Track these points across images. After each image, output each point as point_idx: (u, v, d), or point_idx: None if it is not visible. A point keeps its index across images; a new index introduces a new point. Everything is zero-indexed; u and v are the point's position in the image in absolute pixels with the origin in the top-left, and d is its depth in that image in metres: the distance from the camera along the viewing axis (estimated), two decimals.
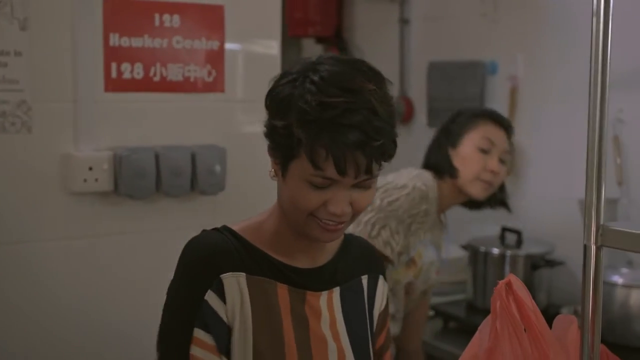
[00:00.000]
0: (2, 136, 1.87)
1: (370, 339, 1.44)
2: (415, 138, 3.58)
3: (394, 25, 3.64)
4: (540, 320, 1.25)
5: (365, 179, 1.24)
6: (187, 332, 1.26)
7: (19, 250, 1.91)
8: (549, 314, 1.29)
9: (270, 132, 1.26)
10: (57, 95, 1.94)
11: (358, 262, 1.46)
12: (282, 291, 1.32)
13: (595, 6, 1.06)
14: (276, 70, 2.23)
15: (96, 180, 1.96)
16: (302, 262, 1.37)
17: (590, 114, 1.08)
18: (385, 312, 1.49)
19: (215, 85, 2.15)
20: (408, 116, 3.63)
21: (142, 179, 1.97)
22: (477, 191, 2.16)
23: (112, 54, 1.99)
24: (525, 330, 1.22)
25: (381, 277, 1.50)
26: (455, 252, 3.04)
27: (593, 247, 1.10)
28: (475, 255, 2.81)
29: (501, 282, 1.23)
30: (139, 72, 2.03)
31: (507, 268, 2.74)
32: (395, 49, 3.62)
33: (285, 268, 1.34)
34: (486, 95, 3.18)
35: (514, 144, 2.26)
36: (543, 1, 2.96)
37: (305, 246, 1.37)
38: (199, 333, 1.25)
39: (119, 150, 1.98)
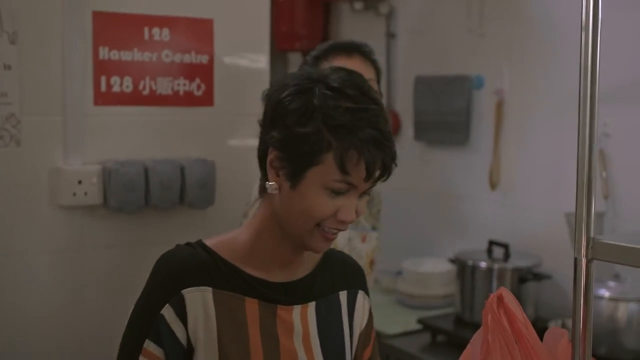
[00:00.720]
0: None
1: (349, 354, 1.43)
2: (401, 151, 3.58)
3: (381, 39, 3.66)
4: (531, 333, 1.25)
5: (373, 185, 1.29)
6: (141, 344, 1.27)
7: (8, 262, 1.91)
8: (537, 328, 1.29)
9: (289, 142, 1.26)
10: (46, 109, 1.94)
11: (337, 277, 1.46)
12: (251, 306, 1.32)
13: (584, 21, 1.07)
14: (265, 84, 2.25)
15: (85, 193, 1.95)
16: (277, 276, 1.37)
17: (579, 128, 1.09)
18: (368, 328, 1.49)
19: (204, 99, 2.15)
20: (394, 129, 3.64)
21: (131, 192, 1.97)
22: None
23: (102, 68, 2.00)
24: (516, 343, 1.23)
25: (361, 292, 1.49)
26: (442, 265, 3.05)
27: (583, 260, 1.11)
28: (463, 268, 2.82)
29: (492, 295, 1.24)
30: (128, 85, 2.03)
31: (495, 281, 2.75)
32: (382, 63, 3.64)
33: (256, 282, 1.34)
34: (473, 109, 3.21)
35: (377, 62, 2.06)
36: (529, 14, 2.99)
37: (283, 260, 1.37)
38: (149, 345, 1.26)
39: (108, 163, 1.97)
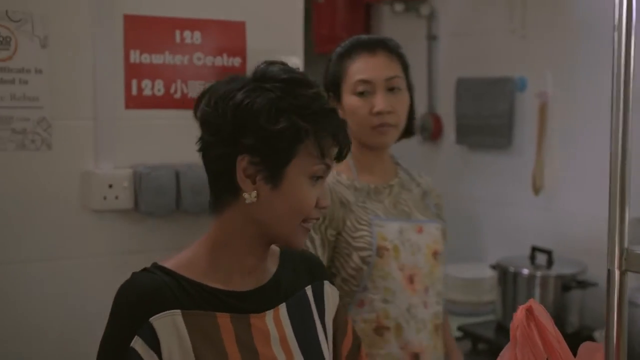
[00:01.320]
0: (22, 153, 1.86)
1: (326, 348, 1.40)
2: (443, 155, 3.54)
3: (422, 41, 3.61)
4: (563, 347, 1.20)
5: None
6: None
7: (40, 268, 1.90)
8: (581, 337, 1.24)
9: (263, 143, 1.24)
10: (77, 113, 1.93)
11: (299, 273, 1.43)
12: (224, 321, 1.28)
13: (617, 19, 1.02)
14: None
15: (116, 197, 1.94)
16: (243, 285, 1.33)
17: (612, 132, 1.03)
18: (340, 316, 1.47)
19: None
20: (437, 133, 3.58)
21: (162, 196, 1.95)
22: (376, 140, 1.89)
23: (133, 71, 1.98)
24: (547, 358, 1.17)
25: (326, 282, 1.47)
26: (484, 271, 2.98)
27: (617, 272, 1.05)
28: (505, 275, 2.75)
29: (521, 308, 1.18)
30: (159, 88, 2.02)
31: (537, 289, 2.68)
32: (423, 65, 3.59)
33: (224, 295, 1.30)
34: (515, 112, 3.13)
35: (403, 56, 1.93)
36: (572, 15, 2.91)
37: (248, 268, 1.34)
38: None
39: (139, 167, 1.96)
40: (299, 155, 1.25)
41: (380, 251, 1.83)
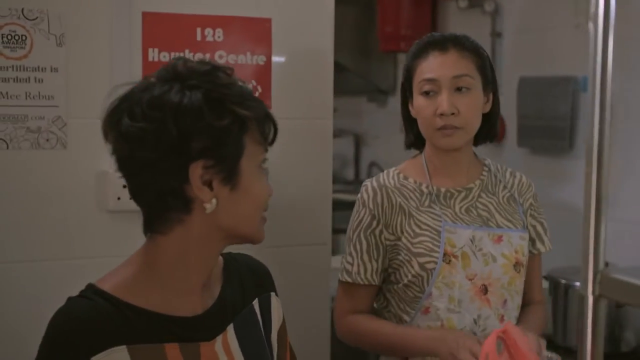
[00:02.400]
0: (37, 152, 1.86)
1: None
2: (505, 158, 3.38)
3: (486, 38, 3.46)
4: None
5: None
6: None
7: (54, 267, 1.89)
8: (638, 356, 1.11)
9: (216, 141, 1.15)
10: (93, 112, 1.88)
11: (244, 287, 1.34)
12: (173, 352, 1.17)
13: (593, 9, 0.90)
14: (328, 86, 2.14)
15: (130, 198, 1.91)
16: (188, 307, 1.22)
17: (587, 150, 0.91)
18: (282, 329, 1.40)
19: None
20: (500, 135, 3.42)
21: None
22: (441, 142, 1.78)
23: (151, 70, 1.90)
24: None
25: (272, 294, 1.40)
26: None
27: (590, 298, 0.93)
28: (556, 287, 2.59)
29: (494, 332, 1.07)
30: None
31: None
32: None
33: (170, 323, 1.19)
34: (578, 113, 2.95)
35: (479, 54, 1.80)
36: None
37: (195, 287, 1.24)
38: None
39: None
40: (247, 147, 1.20)
41: (447, 257, 1.74)
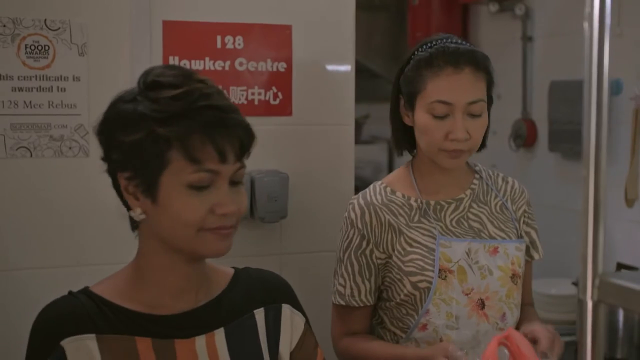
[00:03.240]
0: (59, 160, 1.89)
1: None
2: (537, 163, 3.34)
3: (517, 42, 3.42)
4: None
5: (240, 167, 1.18)
6: None
7: (75, 274, 1.91)
8: None
9: (127, 157, 1.17)
10: None
11: (250, 295, 1.32)
12: (144, 346, 1.19)
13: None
14: (349, 92, 2.14)
15: None
16: (174, 308, 1.24)
17: (584, 138, 0.90)
18: (308, 346, 1.35)
19: (281, 109, 2.07)
20: (531, 140, 3.38)
21: None
22: (446, 163, 1.72)
23: None
24: None
25: (286, 306, 1.34)
26: (566, 288, 2.78)
27: (589, 303, 0.91)
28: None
29: (495, 338, 1.05)
30: None
31: (620, 312, 2.45)
32: (518, 68, 3.40)
33: (145, 320, 1.22)
34: (610, 117, 2.89)
35: (490, 72, 1.72)
36: None
37: (175, 289, 1.25)
38: None
39: None
40: (171, 164, 1.15)
41: (442, 273, 1.69)
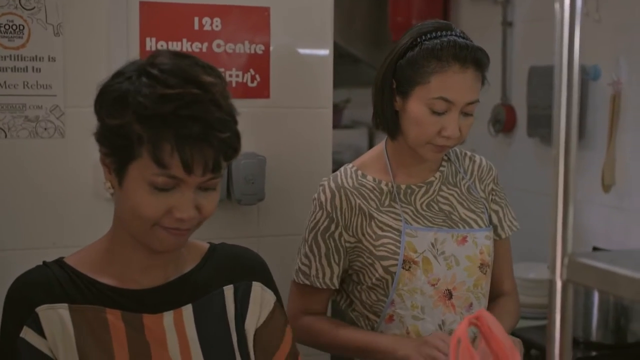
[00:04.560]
0: (35, 141, 1.88)
1: (237, 356, 1.29)
2: (515, 149, 3.35)
3: (497, 27, 3.43)
4: None
5: (211, 177, 1.16)
6: None
7: (51, 255, 1.90)
8: None
9: (104, 134, 1.19)
10: (91, 101, 1.89)
11: (220, 272, 1.32)
12: (114, 318, 1.21)
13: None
14: (328, 75, 2.13)
15: None
16: (141, 283, 1.26)
17: (554, 115, 0.90)
18: (276, 323, 1.34)
19: (259, 91, 2.06)
20: (510, 125, 3.39)
21: None
22: (429, 155, 1.73)
23: None
24: None
25: (257, 283, 1.34)
26: (543, 272, 2.80)
27: (558, 282, 0.92)
28: None
29: (467, 318, 1.05)
30: None
31: (595, 294, 2.47)
32: (497, 54, 3.40)
33: (115, 292, 1.23)
34: (587, 103, 2.91)
35: (485, 74, 1.73)
36: None
37: (142, 265, 1.26)
38: None
39: None
40: (140, 158, 1.15)
41: (406, 264, 1.69)
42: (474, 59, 1.67)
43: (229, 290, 1.33)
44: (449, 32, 1.70)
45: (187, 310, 1.27)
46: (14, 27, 1.84)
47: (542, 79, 3.11)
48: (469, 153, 1.89)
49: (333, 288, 1.78)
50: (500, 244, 1.86)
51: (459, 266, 1.72)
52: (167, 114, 1.13)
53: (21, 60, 1.85)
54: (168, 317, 1.25)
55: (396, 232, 1.71)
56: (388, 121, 1.75)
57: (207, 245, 1.38)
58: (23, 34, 1.85)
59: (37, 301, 1.21)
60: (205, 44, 2.00)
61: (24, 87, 1.86)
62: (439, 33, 1.69)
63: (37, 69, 1.87)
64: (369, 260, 1.72)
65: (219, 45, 2.02)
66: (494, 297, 1.84)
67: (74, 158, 1.92)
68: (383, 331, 1.73)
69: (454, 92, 1.66)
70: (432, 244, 1.71)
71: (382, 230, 1.71)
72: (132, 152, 1.16)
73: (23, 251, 1.88)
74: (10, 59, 1.84)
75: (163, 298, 1.27)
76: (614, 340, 2.46)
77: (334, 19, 2.14)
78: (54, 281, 1.24)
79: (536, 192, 3.17)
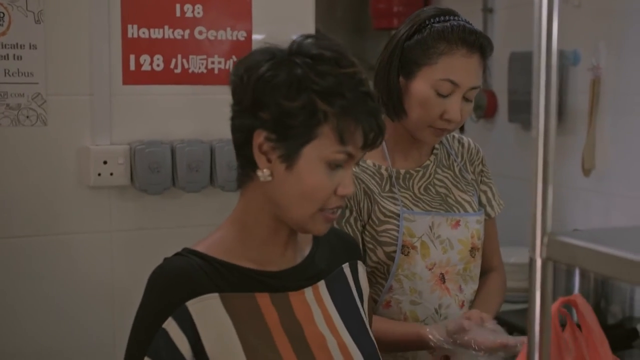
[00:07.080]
0: (17, 129, 1.87)
1: (367, 324, 1.37)
2: (496, 135, 3.38)
3: (478, 14, 3.44)
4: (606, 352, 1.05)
5: (363, 154, 1.25)
6: None
7: (34, 243, 1.91)
8: (624, 330, 1.10)
9: (280, 119, 1.19)
10: (73, 88, 1.92)
11: (336, 250, 1.39)
12: (264, 300, 1.23)
13: None
14: None
15: (111, 174, 1.92)
16: (279, 264, 1.30)
17: (533, 98, 0.91)
18: (370, 298, 1.46)
19: None
20: (491, 111, 3.42)
21: (156, 173, 1.92)
22: (428, 138, 1.74)
23: (131, 46, 1.95)
24: None
25: (359, 262, 1.44)
26: (525, 257, 2.82)
27: (538, 261, 0.93)
28: None
29: (560, 300, 1.04)
30: (158, 64, 1.98)
31: (577, 276, 2.51)
32: None
33: (260, 275, 1.26)
34: (567, 88, 2.94)
35: (488, 67, 1.79)
36: None
37: (280, 247, 1.30)
38: None
39: (135, 144, 1.93)
40: (318, 138, 1.19)
41: (405, 249, 1.70)
42: (480, 45, 1.71)
43: (346, 268, 1.40)
44: (457, 17, 1.74)
45: (322, 286, 1.32)
46: None
47: (522, 65, 3.14)
48: (456, 135, 1.91)
49: None
50: (491, 222, 1.91)
51: (452, 250, 1.74)
52: (344, 90, 1.18)
53: (2, 48, 1.84)
54: (308, 292, 1.30)
55: (398, 218, 1.72)
56: (394, 102, 1.72)
57: None
58: (3, 21, 1.84)
59: (188, 294, 1.20)
60: (187, 31, 2.00)
61: (5, 75, 1.85)
62: (447, 17, 1.72)
63: (18, 56, 1.86)
64: (370, 245, 1.72)
65: (200, 32, 2.02)
66: (485, 272, 1.89)
67: (57, 146, 1.91)
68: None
69: (459, 74, 1.67)
70: (430, 227, 1.73)
71: (385, 215, 1.72)
72: (311, 132, 1.19)
73: (5, 239, 1.88)
74: None
75: (300, 276, 1.31)
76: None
77: (315, 5, 2.14)
78: (199, 271, 1.23)
79: (517, 178, 3.19)
